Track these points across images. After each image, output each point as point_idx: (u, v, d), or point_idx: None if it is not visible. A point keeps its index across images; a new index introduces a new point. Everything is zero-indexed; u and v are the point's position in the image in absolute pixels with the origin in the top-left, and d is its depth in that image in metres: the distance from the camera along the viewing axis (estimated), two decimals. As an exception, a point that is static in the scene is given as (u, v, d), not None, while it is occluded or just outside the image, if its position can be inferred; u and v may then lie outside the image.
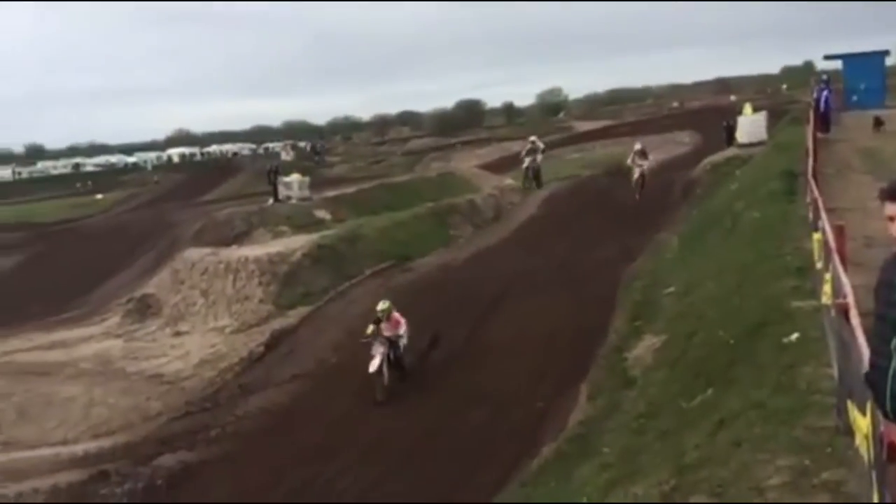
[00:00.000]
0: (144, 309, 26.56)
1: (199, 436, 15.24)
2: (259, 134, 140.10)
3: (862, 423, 4.50)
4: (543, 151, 32.53)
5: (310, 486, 12.15)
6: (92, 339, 25.09)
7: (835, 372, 6.38)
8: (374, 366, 15.00)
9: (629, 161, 27.67)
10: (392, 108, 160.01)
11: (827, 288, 7.35)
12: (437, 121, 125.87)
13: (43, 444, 16.71)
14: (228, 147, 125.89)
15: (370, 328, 15.52)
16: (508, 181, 43.83)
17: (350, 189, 41.07)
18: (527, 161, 32.51)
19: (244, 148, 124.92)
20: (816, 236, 9.56)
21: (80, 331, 26.70)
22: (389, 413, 14.41)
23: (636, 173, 27.19)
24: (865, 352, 4.18)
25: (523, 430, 12.10)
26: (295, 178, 37.96)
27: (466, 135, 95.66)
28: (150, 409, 17.59)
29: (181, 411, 16.94)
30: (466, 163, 60.24)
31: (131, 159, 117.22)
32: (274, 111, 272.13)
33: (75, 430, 17.14)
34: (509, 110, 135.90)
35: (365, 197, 38.01)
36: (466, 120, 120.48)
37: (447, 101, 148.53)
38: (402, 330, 15.73)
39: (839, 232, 7.81)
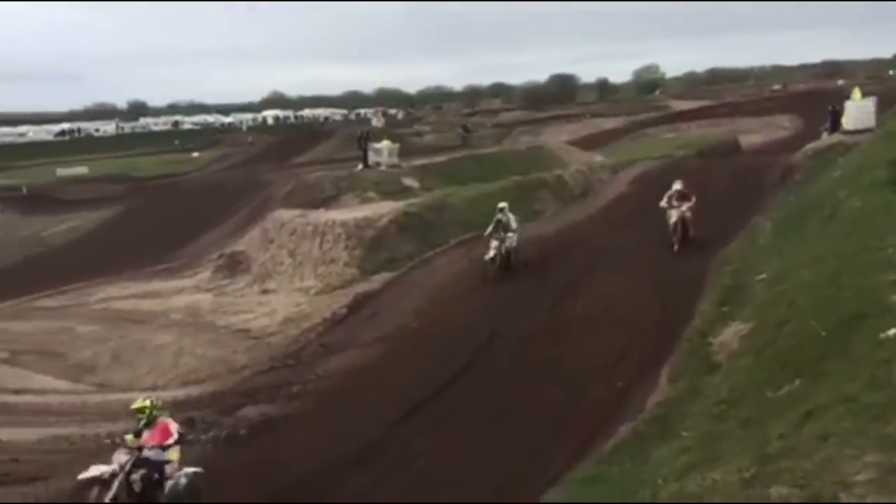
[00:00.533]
0: (234, 265, 27.44)
1: (282, 391, 15.67)
2: (351, 100, 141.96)
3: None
4: (515, 230, 20.68)
5: (383, 448, 12.37)
6: (184, 292, 26.09)
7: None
8: (86, 473, 9.97)
9: (664, 203, 20.92)
10: (484, 80, 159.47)
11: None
12: (529, 94, 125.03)
13: (135, 388, 17.47)
14: (321, 111, 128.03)
15: (129, 437, 10.39)
16: (598, 158, 43.31)
17: (439, 158, 41.22)
18: (493, 243, 20.14)
19: (336, 113, 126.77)
20: (924, 229, 9.11)
21: (173, 283, 27.80)
22: (468, 380, 14.50)
23: (673, 218, 20.51)
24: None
25: (600, 408, 12.01)
26: (385, 144, 38.30)
27: (558, 109, 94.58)
28: (235, 362, 18.21)
29: (265, 366, 17.46)
30: (556, 138, 59.67)
31: (227, 119, 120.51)
32: (367, 78, 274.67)
33: (165, 376, 17.91)
34: (603, 86, 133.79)
35: (453, 167, 38.11)
36: (559, 94, 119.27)
37: (540, 75, 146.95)
38: (172, 440, 10.48)
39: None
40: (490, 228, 20.44)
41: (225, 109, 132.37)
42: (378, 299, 20.37)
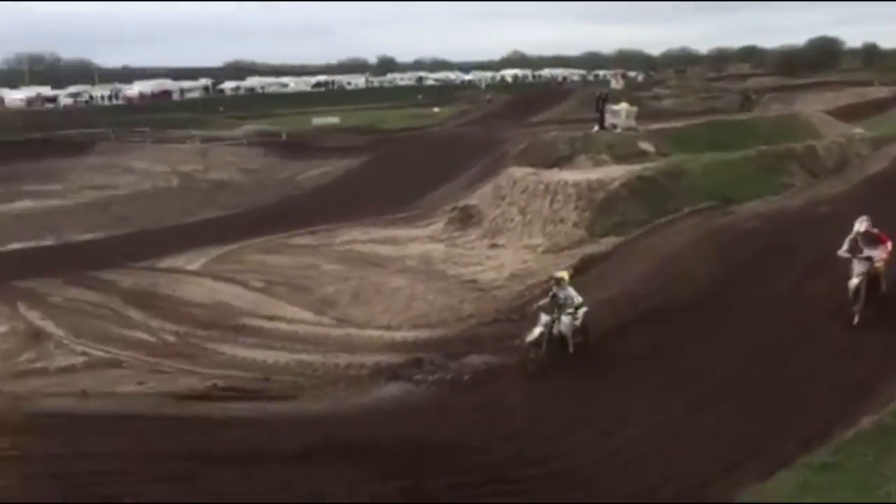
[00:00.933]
0: (466, 219, 28.37)
1: (504, 343, 16.09)
2: (590, 60, 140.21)
3: None
4: (579, 308, 14.87)
5: (605, 408, 12.32)
6: (418, 240, 27.41)
7: None
8: None
9: (844, 250, 14.18)
10: (734, 42, 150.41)
11: None
12: (783, 59, 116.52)
13: (371, 325, 18.79)
14: (559, 71, 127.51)
15: None
16: (858, 130, 39.70)
17: (677, 123, 39.80)
18: (543, 319, 14.73)
19: (574, 73, 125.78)
20: None
21: (409, 231, 29.29)
22: (698, 348, 14.04)
23: (856, 277, 13.71)
24: None
25: (841, 395, 11.22)
26: (623, 107, 37.59)
27: (815, 76, 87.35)
28: (462, 311, 18.95)
29: (490, 317, 18.03)
30: (811, 107, 55.31)
31: (468, 77, 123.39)
32: (608, 38, 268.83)
33: (398, 318, 19.03)
34: (870, 52, 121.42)
35: (692, 133, 36.69)
36: (817, 60, 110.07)
37: (798, 38, 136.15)
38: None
39: None
40: (544, 301, 15.15)
41: (466, 67, 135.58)
42: (605, 262, 20.22)
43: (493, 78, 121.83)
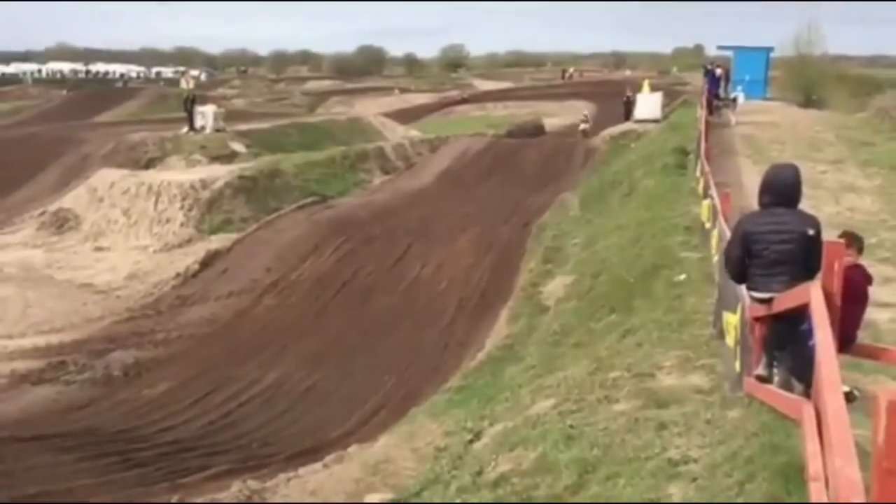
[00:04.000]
0: (61, 223, 27.13)
1: (146, 337, 16.68)
2: (149, 56, 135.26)
3: (732, 319, 6.89)
4: None
5: (232, 381, 14.05)
6: (10, 248, 25.55)
7: (714, 295, 8.83)
8: None
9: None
10: (290, 47, 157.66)
11: (714, 242, 9.91)
12: (337, 64, 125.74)
13: (-14, 337, 17.62)
14: (116, 67, 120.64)
15: None
16: (414, 132, 45.79)
17: (263, 125, 41.89)
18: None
19: (132, 70, 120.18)
20: (706, 203, 12.17)
21: (-5, 239, 27.04)
22: (327, 323, 16.34)
23: None
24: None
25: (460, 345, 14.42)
26: (210, 108, 38.49)
27: (369, 81, 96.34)
28: (90, 313, 18.73)
29: (123, 316, 18.23)
30: (369, 109, 61.44)
31: (7, 69, 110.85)
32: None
33: (17, 326, 18.10)
34: (411, 61, 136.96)
35: (278, 134, 39.09)
36: (366, 66, 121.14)
37: (348, 45, 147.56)
38: None
39: (725, 198, 10.32)
40: None
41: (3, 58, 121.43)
42: (228, 256, 21.51)
43: (39, 71, 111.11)
